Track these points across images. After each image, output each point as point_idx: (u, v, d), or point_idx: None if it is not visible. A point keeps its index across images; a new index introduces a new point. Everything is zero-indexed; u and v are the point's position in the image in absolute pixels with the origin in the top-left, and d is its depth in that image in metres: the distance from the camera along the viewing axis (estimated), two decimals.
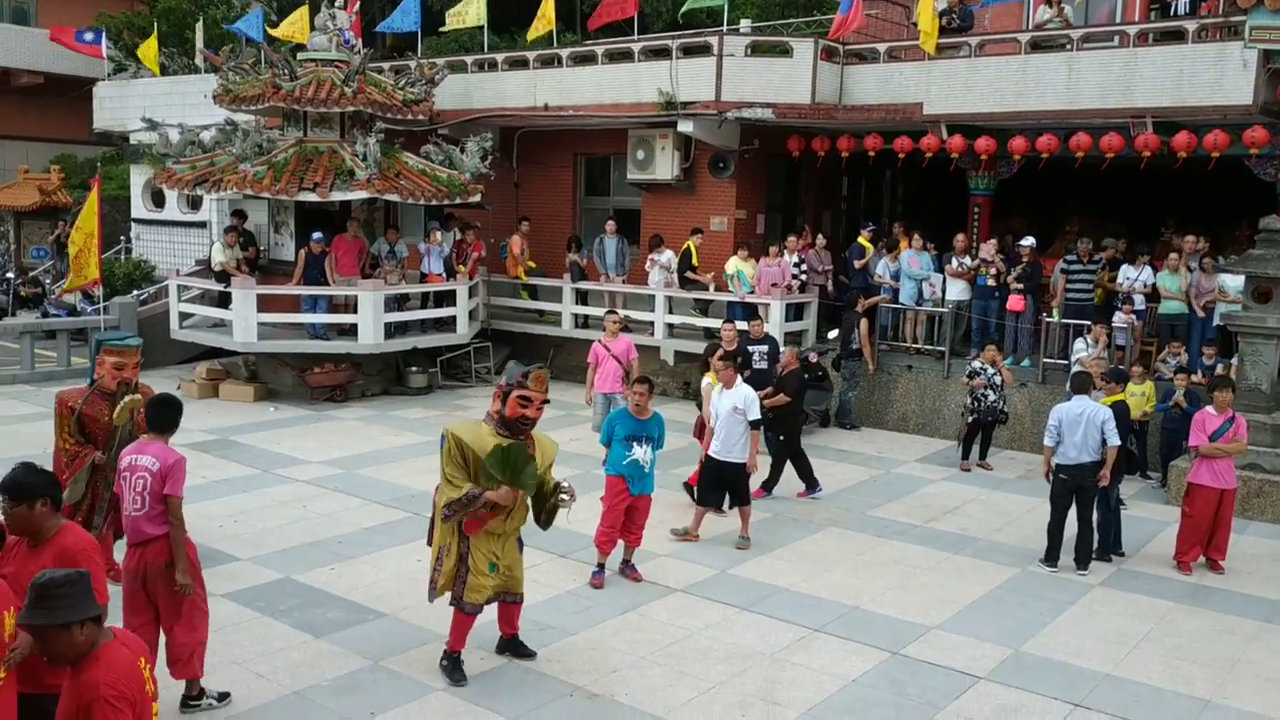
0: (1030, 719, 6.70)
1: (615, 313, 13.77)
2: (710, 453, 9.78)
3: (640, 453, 8.57)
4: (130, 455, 6.31)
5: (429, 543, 6.84)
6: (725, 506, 9.99)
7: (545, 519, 7.01)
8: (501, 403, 6.55)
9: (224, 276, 16.38)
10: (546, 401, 6.65)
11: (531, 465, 6.46)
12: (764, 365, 12.92)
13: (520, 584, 7.03)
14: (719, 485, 9.82)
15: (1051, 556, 9.60)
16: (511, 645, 7.28)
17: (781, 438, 11.58)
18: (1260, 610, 8.71)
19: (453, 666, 6.85)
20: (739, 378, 9.93)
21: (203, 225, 22.79)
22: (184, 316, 17.32)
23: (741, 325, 13.73)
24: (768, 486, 11.42)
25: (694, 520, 9.98)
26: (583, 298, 17.83)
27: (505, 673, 7.08)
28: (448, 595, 6.76)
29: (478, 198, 17.11)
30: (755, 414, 9.65)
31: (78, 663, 3.85)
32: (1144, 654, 7.76)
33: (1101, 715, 6.77)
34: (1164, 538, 10.47)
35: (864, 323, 14.87)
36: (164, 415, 6.46)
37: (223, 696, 6.51)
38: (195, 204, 22.94)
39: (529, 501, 6.83)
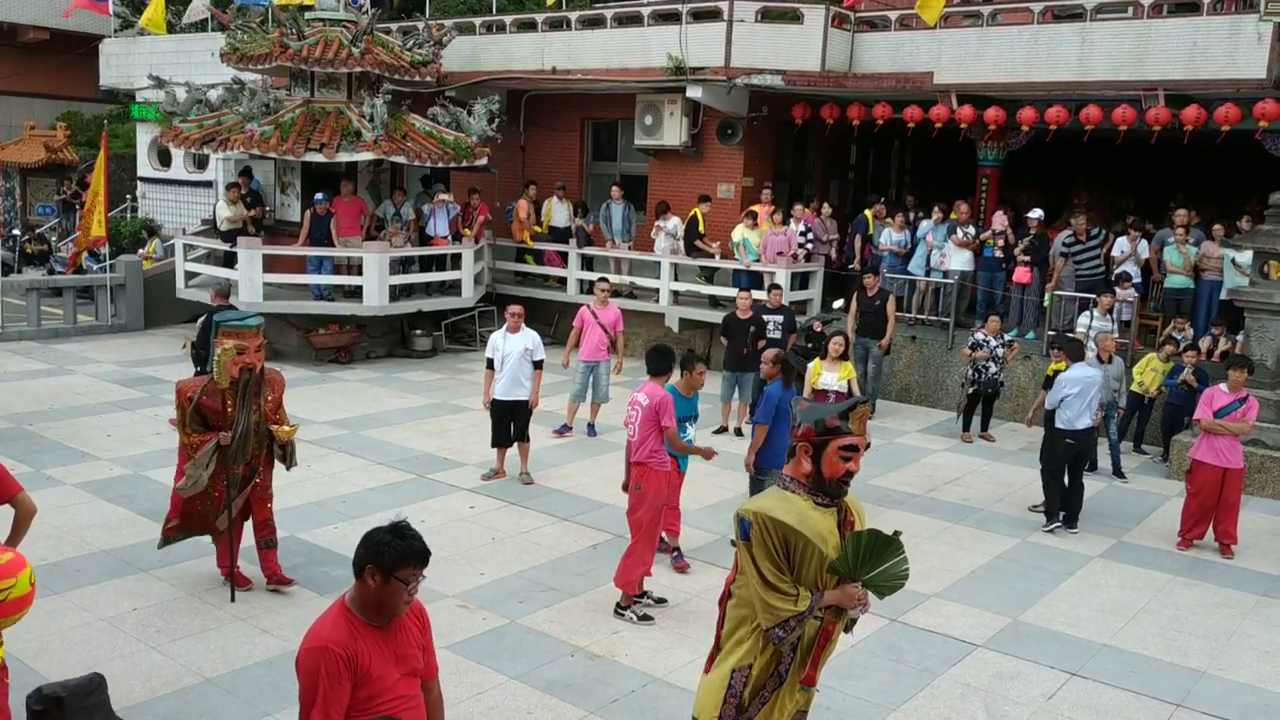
0: (1026, 687, 6.76)
1: (606, 279, 13.68)
2: (496, 396, 10.33)
3: (692, 432, 8.41)
4: (633, 393, 7.74)
5: (710, 668, 4.85)
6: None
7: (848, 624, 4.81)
8: (812, 460, 4.53)
9: (230, 236, 16.39)
10: (868, 446, 4.80)
11: (899, 563, 4.53)
12: (778, 335, 12.92)
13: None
14: (506, 424, 10.46)
15: (1054, 513, 9.86)
16: None
17: None
18: (1258, 584, 8.77)
19: None
20: (523, 325, 10.52)
21: (209, 185, 22.75)
22: (190, 275, 17.34)
23: (758, 294, 13.74)
24: None
25: (498, 459, 10.62)
26: (588, 263, 17.82)
27: (507, 632, 7.15)
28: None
29: (484, 161, 17.07)
30: (541, 355, 10.45)
31: None
32: (1141, 625, 7.82)
33: (1097, 684, 6.83)
34: (1163, 511, 10.53)
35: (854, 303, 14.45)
36: (656, 361, 7.79)
37: (644, 618, 7.43)
38: (201, 163, 22.89)
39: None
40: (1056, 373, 10.67)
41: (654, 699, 6.35)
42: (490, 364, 10.50)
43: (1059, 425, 9.77)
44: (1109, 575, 8.83)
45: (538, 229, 18.23)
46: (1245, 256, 12.69)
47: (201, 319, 11.76)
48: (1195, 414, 9.89)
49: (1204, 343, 12.90)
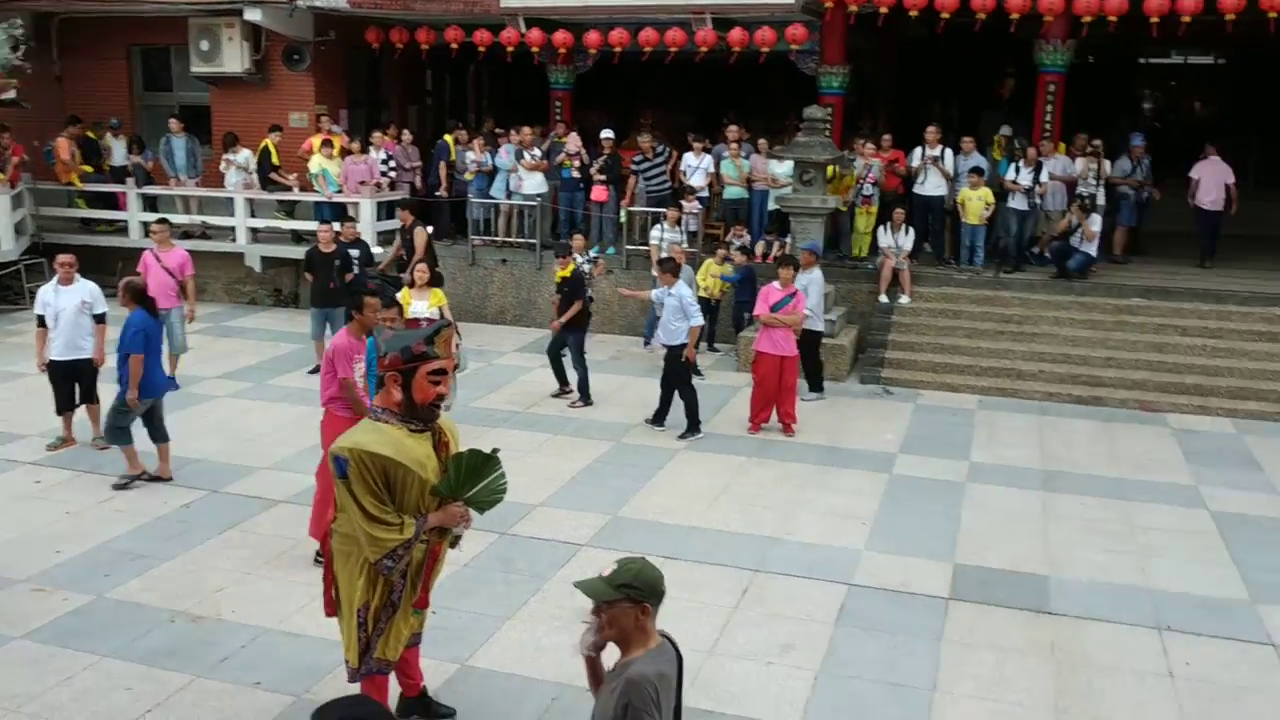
0: None
1: (166, 220, 12.56)
2: (54, 356, 9.47)
3: None
4: None
5: (332, 612, 4.94)
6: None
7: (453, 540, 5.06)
8: (402, 388, 4.55)
9: None
10: (456, 368, 4.74)
11: (497, 479, 4.83)
12: (356, 270, 12.60)
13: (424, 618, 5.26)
14: (69, 386, 9.66)
15: (697, 420, 10.51)
16: (421, 706, 5.41)
17: None
18: (815, 456, 9.96)
19: None
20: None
21: None
22: None
23: (340, 227, 13.31)
24: None
25: (64, 426, 9.80)
26: (151, 204, 16.37)
27: (96, 608, 6.60)
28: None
29: (12, 95, 15.08)
30: (102, 307, 9.59)
31: None
32: (722, 505, 8.65)
33: (690, 563, 7.49)
34: (736, 401, 11.60)
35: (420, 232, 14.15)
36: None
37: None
38: None
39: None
40: (564, 279, 11.42)
41: (266, 650, 6.16)
42: (41, 321, 9.43)
43: (681, 341, 10.40)
44: (692, 465, 9.66)
45: (86, 169, 16.43)
46: (786, 167, 14.09)
47: None
48: (754, 310, 10.95)
49: (759, 247, 14.25)
